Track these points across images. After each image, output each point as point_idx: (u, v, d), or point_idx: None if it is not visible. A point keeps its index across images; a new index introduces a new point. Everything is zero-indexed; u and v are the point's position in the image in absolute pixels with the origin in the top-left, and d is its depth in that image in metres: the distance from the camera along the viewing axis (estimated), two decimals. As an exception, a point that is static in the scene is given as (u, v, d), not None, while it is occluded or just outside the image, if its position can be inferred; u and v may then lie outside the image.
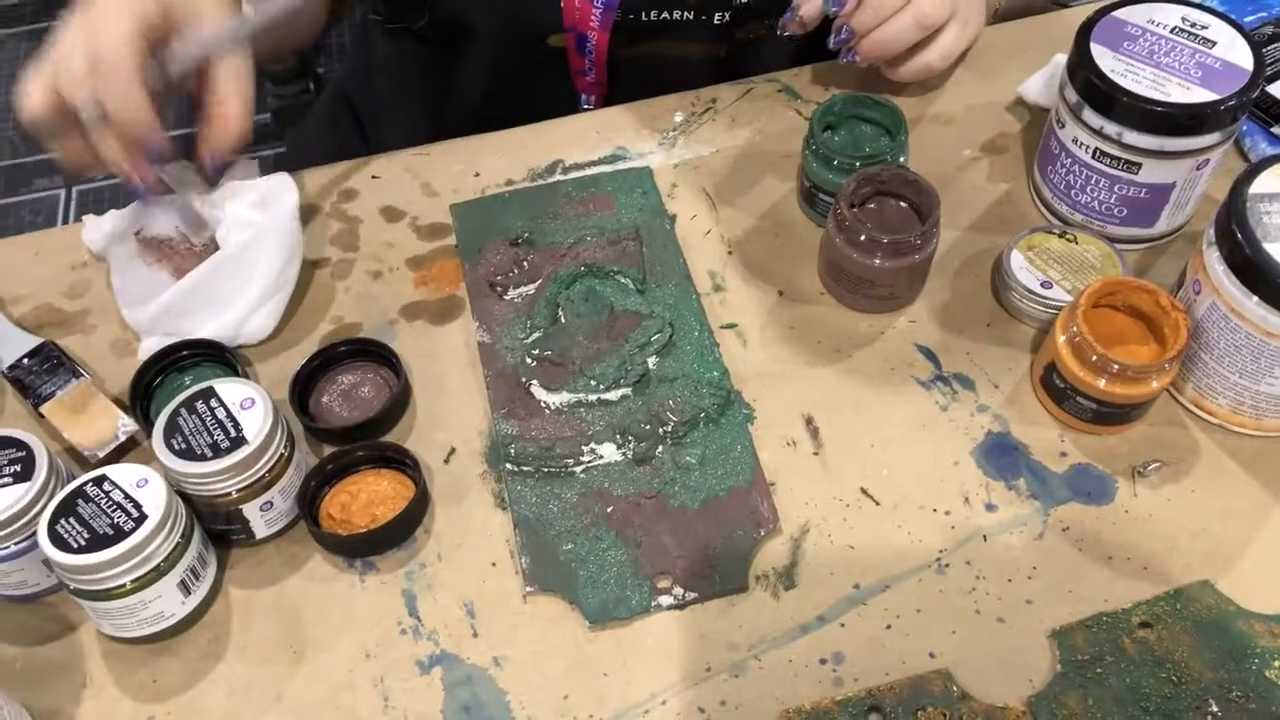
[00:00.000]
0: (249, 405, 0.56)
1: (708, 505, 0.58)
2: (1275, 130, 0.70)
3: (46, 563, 0.55)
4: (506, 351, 0.64)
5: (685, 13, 0.76)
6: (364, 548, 0.57)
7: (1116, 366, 0.56)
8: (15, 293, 0.69)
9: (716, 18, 0.77)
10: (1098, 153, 0.63)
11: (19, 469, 0.54)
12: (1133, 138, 0.61)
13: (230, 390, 0.57)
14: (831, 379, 0.63)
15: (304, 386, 0.63)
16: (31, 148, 1.80)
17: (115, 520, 0.52)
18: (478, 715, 0.52)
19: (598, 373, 0.62)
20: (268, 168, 0.72)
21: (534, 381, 0.63)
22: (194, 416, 0.56)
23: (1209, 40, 0.62)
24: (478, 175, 0.74)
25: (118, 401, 0.63)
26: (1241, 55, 0.61)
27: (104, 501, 0.53)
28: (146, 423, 0.62)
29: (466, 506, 0.59)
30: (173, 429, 0.55)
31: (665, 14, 0.76)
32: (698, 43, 0.79)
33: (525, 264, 0.68)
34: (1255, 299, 0.53)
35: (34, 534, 0.54)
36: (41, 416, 0.62)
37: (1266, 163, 0.56)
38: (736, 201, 0.72)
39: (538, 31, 0.79)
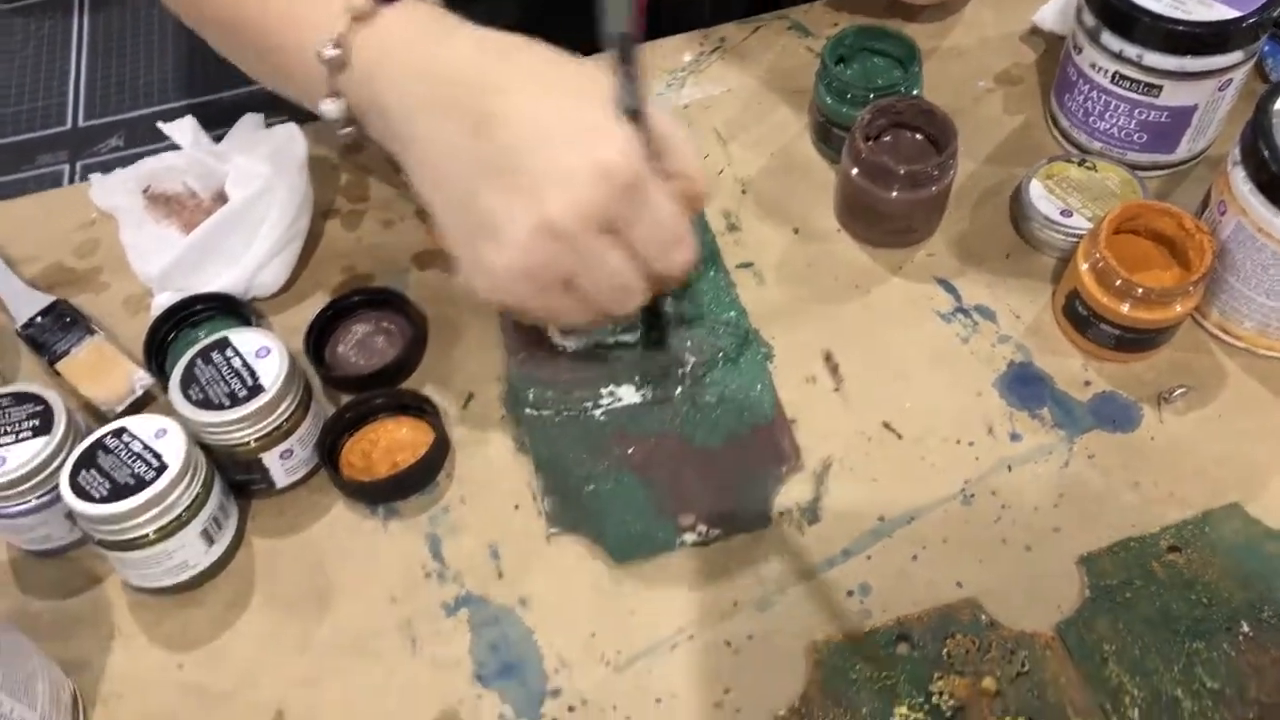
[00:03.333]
0: (264, 354, 0.56)
1: (729, 443, 0.58)
2: (1297, 54, 0.69)
3: (69, 516, 0.55)
4: (521, 296, 0.64)
5: None
6: (386, 493, 0.57)
7: (1140, 290, 0.55)
8: (25, 253, 0.69)
9: None
10: (1117, 76, 0.62)
11: (37, 423, 0.54)
12: (1153, 59, 0.60)
13: (245, 339, 0.56)
14: (850, 315, 0.62)
15: (319, 337, 0.63)
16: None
17: (136, 470, 0.52)
18: (505, 654, 0.52)
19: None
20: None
21: (550, 325, 0.62)
22: (210, 366, 0.55)
23: (1229, -44, 0.61)
24: (486, 122, 0.73)
25: (132, 357, 0.63)
26: (1263, -30, 0.60)
27: (124, 452, 0.52)
28: (162, 377, 0.62)
29: (486, 451, 0.59)
30: (189, 379, 0.55)
31: None
32: None
33: (537, 209, 0.67)
34: (1283, 216, 0.52)
35: (55, 488, 0.53)
36: (57, 374, 0.62)
37: (1292, 78, 0.55)
38: (748, 140, 0.71)
39: None
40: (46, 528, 0.55)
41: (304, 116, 0.71)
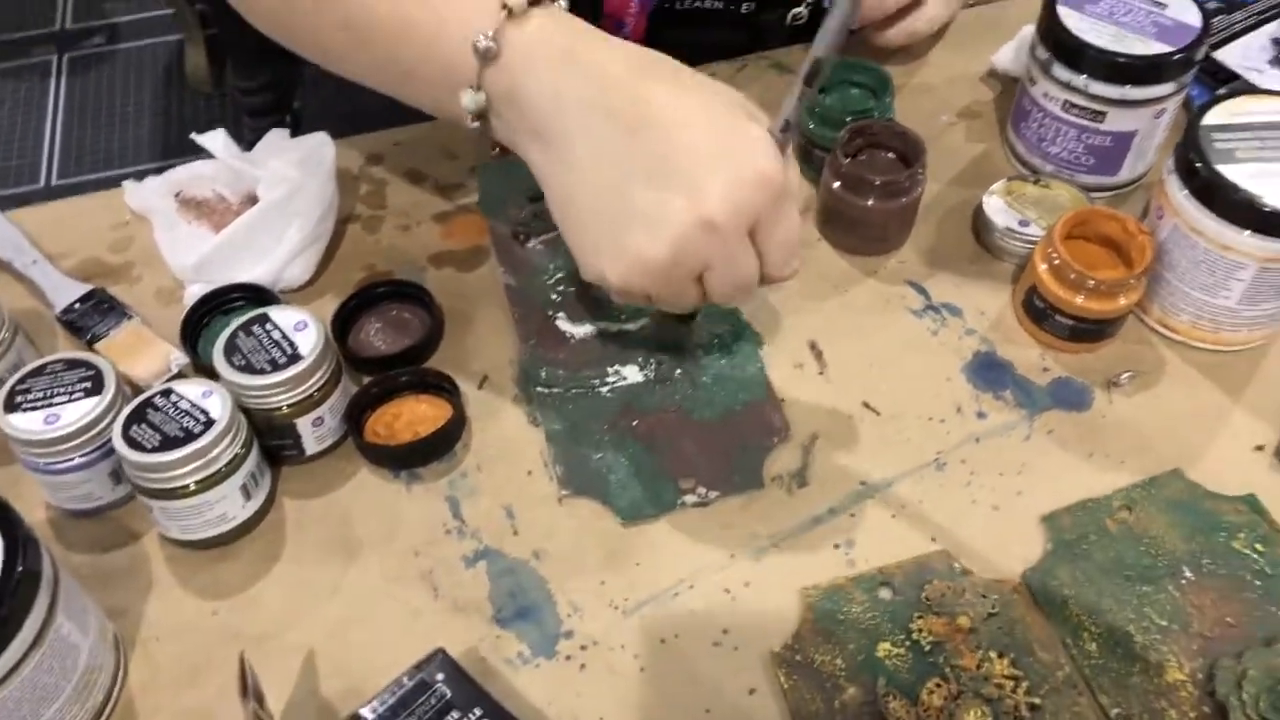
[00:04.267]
0: (302, 327, 0.61)
1: (725, 418, 0.63)
2: (1221, 91, 0.78)
3: (113, 474, 0.59)
4: (532, 291, 0.69)
5: (716, 1, 0.82)
6: (408, 458, 0.62)
7: (1092, 282, 0.62)
8: (62, 248, 0.73)
9: (743, 6, 0.83)
10: (1067, 104, 0.70)
11: (89, 385, 0.58)
12: (1099, 88, 0.68)
13: (284, 315, 0.61)
14: (832, 310, 0.69)
15: (343, 324, 0.68)
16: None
17: (185, 424, 0.56)
18: (522, 600, 0.57)
19: (618, 305, 0.68)
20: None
21: (560, 315, 0.68)
22: (251, 338, 0.60)
23: (1160, 3, 0.69)
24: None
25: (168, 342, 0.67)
26: (1190, 15, 0.68)
27: (172, 410, 0.57)
28: (196, 360, 0.66)
29: (501, 424, 0.64)
30: (232, 349, 0.60)
31: (699, 3, 0.81)
32: (721, 30, 0.85)
33: (545, 215, 0.73)
34: (1212, 215, 0.60)
35: (103, 445, 0.58)
36: (96, 354, 0.66)
37: (1215, 100, 0.63)
38: (737, 162, 0.78)
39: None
40: (90, 485, 0.59)
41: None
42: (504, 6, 0.53)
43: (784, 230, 0.53)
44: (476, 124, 0.56)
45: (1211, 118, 0.62)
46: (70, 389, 0.58)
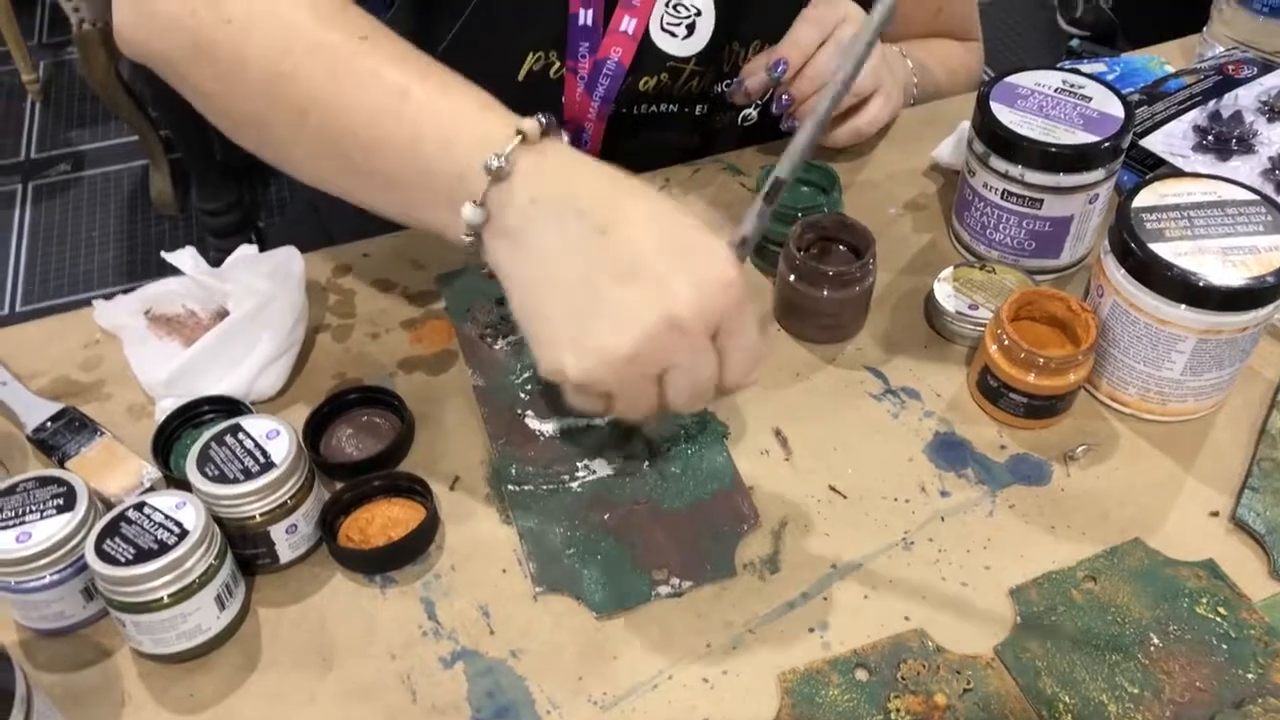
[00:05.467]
0: (274, 435, 0.61)
1: (695, 508, 0.64)
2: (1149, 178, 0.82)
3: (85, 591, 0.59)
4: (500, 391, 0.71)
5: (671, 106, 0.86)
6: (382, 562, 0.62)
7: (1042, 360, 0.64)
8: (33, 369, 0.74)
9: (697, 109, 0.87)
10: (1005, 193, 0.73)
11: (61, 501, 0.58)
12: (1034, 177, 0.71)
13: (256, 424, 0.62)
14: (794, 397, 0.71)
15: (315, 431, 0.69)
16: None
17: (159, 536, 0.56)
18: (500, 700, 0.57)
19: (583, 402, 0.69)
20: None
21: (529, 413, 0.69)
22: (223, 448, 0.61)
23: (1086, 96, 0.74)
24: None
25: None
26: (1114, 107, 0.73)
27: (145, 523, 0.57)
28: (168, 474, 0.67)
29: (474, 524, 0.64)
30: (204, 460, 0.60)
31: (654, 107, 0.85)
32: (677, 132, 0.88)
33: (511, 318, 0.75)
34: (1149, 291, 0.63)
35: (75, 562, 0.58)
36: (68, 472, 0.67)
37: (1143, 184, 0.66)
38: (695, 260, 0.80)
39: None
40: (62, 604, 0.59)
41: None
42: (518, 132, 0.55)
43: (745, 338, 0.54)
44: (470, 239, 0.57)
45: (1141, 200, 0.65)
46: (42, 506, 0.58)
